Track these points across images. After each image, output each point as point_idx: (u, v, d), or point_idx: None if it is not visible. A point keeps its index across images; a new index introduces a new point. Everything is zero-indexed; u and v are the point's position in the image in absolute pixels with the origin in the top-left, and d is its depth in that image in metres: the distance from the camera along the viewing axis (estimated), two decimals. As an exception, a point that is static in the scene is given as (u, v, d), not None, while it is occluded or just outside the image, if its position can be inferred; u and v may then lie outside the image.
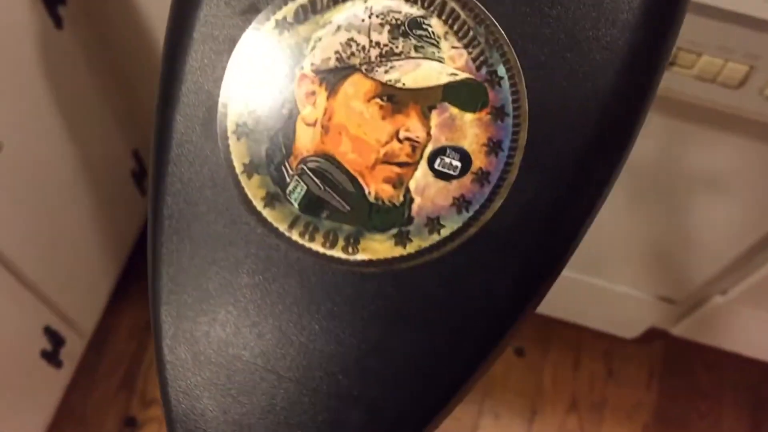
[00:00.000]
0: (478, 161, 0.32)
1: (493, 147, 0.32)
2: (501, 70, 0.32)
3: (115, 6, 1.03)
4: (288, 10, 0.33)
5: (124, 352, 1.33)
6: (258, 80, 0.33)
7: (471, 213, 0.32)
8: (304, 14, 0.33)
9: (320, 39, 0.33)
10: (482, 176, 0.32)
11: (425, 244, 0.32)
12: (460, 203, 0.32)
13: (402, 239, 0.32)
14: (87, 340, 1.29)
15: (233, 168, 0.33)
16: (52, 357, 1.19)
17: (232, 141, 0.33)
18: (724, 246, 1.04)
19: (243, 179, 0.33)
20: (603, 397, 1.34)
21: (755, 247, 1.00)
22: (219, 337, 0.33)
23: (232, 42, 0.33)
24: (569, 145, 0.32)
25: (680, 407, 1.34)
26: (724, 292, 1.11)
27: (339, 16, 0.33)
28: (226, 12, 0.33)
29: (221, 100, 0.33)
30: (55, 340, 1.19)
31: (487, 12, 0.32)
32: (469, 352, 0.32)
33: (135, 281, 1.35)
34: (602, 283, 1.19)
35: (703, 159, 0.92)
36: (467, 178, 0.32)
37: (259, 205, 0.33)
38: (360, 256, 0.32)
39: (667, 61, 0.33)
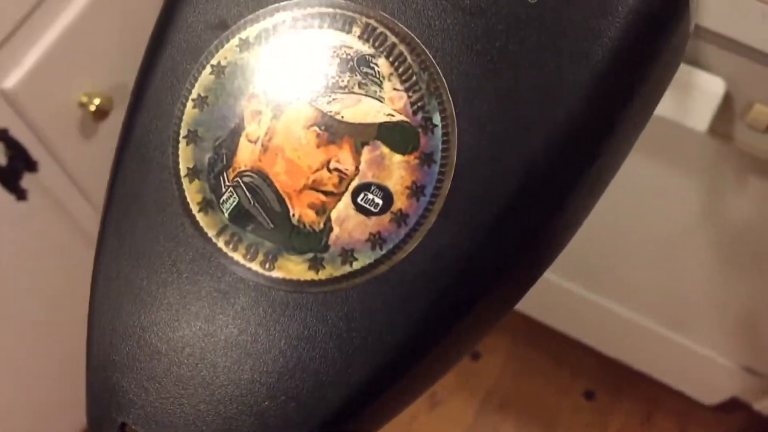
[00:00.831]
0: (400, 202, 0.33)
1: (415, 191, 0.33)
2: (436, 118, 0.33)
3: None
4: (251, 32, 0.35)
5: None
6: (214, 92, 0.35)
7: (384, 251, 0.33)
8: (265, 37, 0.35)
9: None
10: (401, 217, 0.33)
11: (336, 273, 0.33)
12: (376, 240, 0.33)
13: (316, 264, 0.33)
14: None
15: (178, 171, 0.35)
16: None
17: (182, 145, 0.35)
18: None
19: (185, 182, 0.35)
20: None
21: None
22: (141, 324, 0.35)
23: (198, 53, 0.35)
24: (491, 200, 0.32)
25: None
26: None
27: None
28: (199, 23, 0.35)
29: (178, 106, 0.35)
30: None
31: (433, 60, 0.33)
32: (358, 389, 0.33)
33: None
34: (687, 343, 1.15)
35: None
36: (386, 217, 0.33)
37: (194, 208, 0.35)
38: (275, 274, 0.34)
39: (624, 126, 0.33)
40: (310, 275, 0.34)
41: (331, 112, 0.34)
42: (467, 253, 0.33)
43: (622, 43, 0.32)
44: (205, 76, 0.35)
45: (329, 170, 0.34)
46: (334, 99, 0.34)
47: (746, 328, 1.09)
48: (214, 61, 0.35)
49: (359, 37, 0.34)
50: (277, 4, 0.35)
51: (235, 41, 0.35)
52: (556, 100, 0.32)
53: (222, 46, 0.35)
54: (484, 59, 0.33)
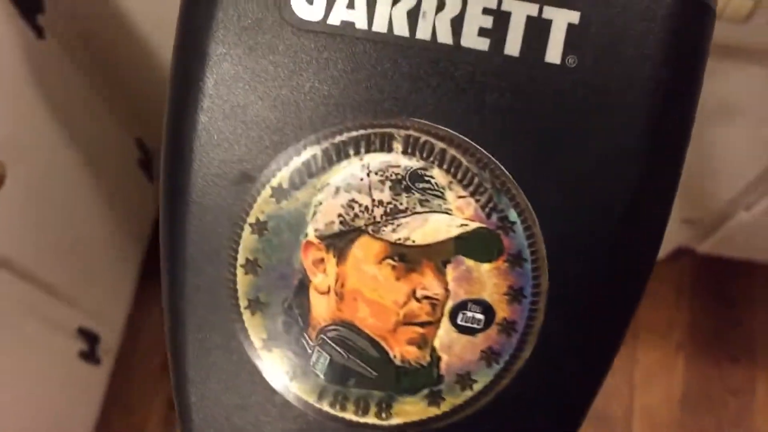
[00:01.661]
0: (502, 311, 0.31)
1: (515, 295, 0.31)
2: (512, 215, 0.31)
3: (96, 5, 0.99)
4: (283, 177, 0.31)
5: (160, 336, 1.35)
6: (263, 252, 0.32)
7: (501, 364, 0.31)
8: (299, 179, 0.31)
9: (320, 203, 0.31)
10: (508, 326, 0.31)
11: (458, 401, 0.32)
12: (489, 356, 0.31)
13: (435, 399, 0.32)
14: (121, 332, 1.31)
15: (252, 345, 0.32)
16: (90, 356, 1.21)
17: (246, 317, 0.32)
18: (746, 166, 1.03)
19: (263, 354, 0.32)
20: (635, 320, 1.34)
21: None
22: None
23: (230, 213, 0.32)
24: (591, 281, 0.31)
25: (712, 320, 1.35)
26: (748, 207, 1.10)
27: (336, 177, 0.31)
28: (218, 180, 0.32)
29: (227, 276, 0.32)
30: (90, 338, 1.21)
31: (490, 156, 0.31)
32: None
33: (158, 265, 1.35)
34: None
35: (719, 89, 0.90)
36: (493, 330, 0.31)
37: (284, 379, 0.32)
38: (394, 421, 0.32)
39: (679, 177, 0.31)
40: (432, 411, 0.32)
41: (399, 239, 0.31)
42: (585, 339, 0.31)
43: (668, 83, 0.30)
44: (247, 237, 0.32)
45: (418, 300, 0.31)
46: (398, 225, 0.31)
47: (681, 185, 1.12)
48: (251, 219, 0.32)
49: (403, 153, 0.31)
50: (300, 142, 0.31)
51: (267, 192, 0.31)
52: (624, 161, 0.30)
53: (255, 201, 0.32)
54: (539, 141, 0.30)
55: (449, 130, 0.31)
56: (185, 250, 0.32)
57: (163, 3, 0.88)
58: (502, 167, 0.31)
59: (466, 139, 0.31)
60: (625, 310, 0.32)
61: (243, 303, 0.32)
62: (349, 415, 0.32)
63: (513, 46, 0.30)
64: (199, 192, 0.32)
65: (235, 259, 0.32)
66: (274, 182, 0.31)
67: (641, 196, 0.31)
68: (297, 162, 0.31)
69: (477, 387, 0.31)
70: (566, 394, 0.32)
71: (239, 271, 0.32)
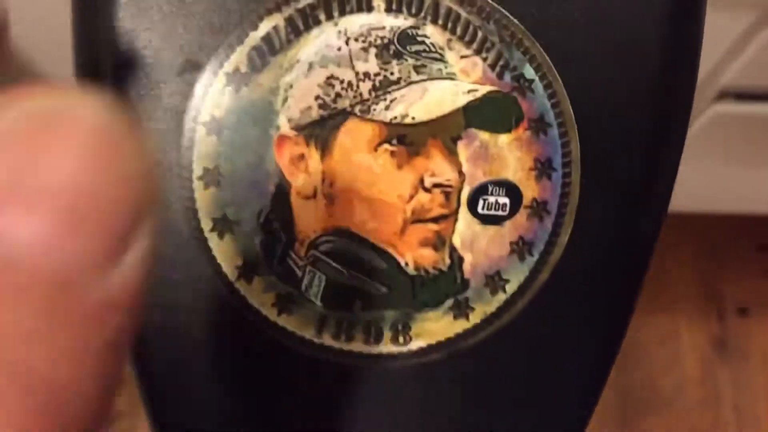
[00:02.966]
0: (530, 191, 0.25)
1: (542, 169, 0.25)
2: (528, 72, 0.25)
3: None
4: (239, 59, 0.25)
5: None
6: (225, 156, 0.25)
7: (536, 256, 0.26)
8: (260, 59, 0.25)
9: (291, 85, 0.25)
10: (539, 208, 0.26)
11: (491, 308, 0.26)
12: (521, 247, 0.26)
13: (462, 310, 0.26)
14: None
15: (225, 276, 0.25)
16: None
17: (214, 242, 0.25)
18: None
19: (241, 286, 0.25)
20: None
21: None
22: None
23: (178, 115, 0.25)
24: (627, 141, 0.26)
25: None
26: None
27: (306, 50, 0.25)
28: (157, 77, 0.25)
29: (184, 194, 0.25)
30: None
31: (492, 2, 0.25)
32: (570, 421, 0.26)
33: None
34: None
35: None
36: (522, 215, 0.26)
37: (271, 314, 0.25)
38: (415, 344, 0.26)
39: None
40: (461, 325, 0.26)
41: (396, 118, 0.25)
42: (629, 215, 0.26)
43: None
44: (202, 140, 0.25)
45: (427, 190, 0.25)
46: (392, 101, 0.25)
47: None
48: (204, 117, 0.25)
49: (387, 10, 0.25)
50: (255, 11, 0.25)
51: (221, 80, 0.25)
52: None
53: (207, 94, 0.25)
54: None
55: None
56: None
57: None
58: (509, 15, 0.25)
59: None
60: (666, 176, 0.27)
61: (206, 225, 0.25)
62: (359, 346, 0.26)
63: None
64: (131, 92, 0.25)
65: (190, 170, 0.25)
66: (229, 67, 0.25)
67: (671, 41, 0.26)
68: (255, 37, 0.25)
69: (510, 288, 0.26)
70: (612, 286, 0.26)
71: (197, 185, 0.25)
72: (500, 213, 0.25)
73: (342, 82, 0.25)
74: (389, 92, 0.25)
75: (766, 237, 1.32)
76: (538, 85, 0.25)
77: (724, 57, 0.83)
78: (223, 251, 0.25)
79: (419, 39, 0.25)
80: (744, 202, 1.19)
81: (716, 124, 0.90)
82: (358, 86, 0.25)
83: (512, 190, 0.25)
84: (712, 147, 1.01)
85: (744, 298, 1.28)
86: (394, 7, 0.25)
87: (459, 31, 0.25)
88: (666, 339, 1.27)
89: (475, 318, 0.26)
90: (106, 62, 0.25)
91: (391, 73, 0.25)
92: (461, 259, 0.26)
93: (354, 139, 0.25)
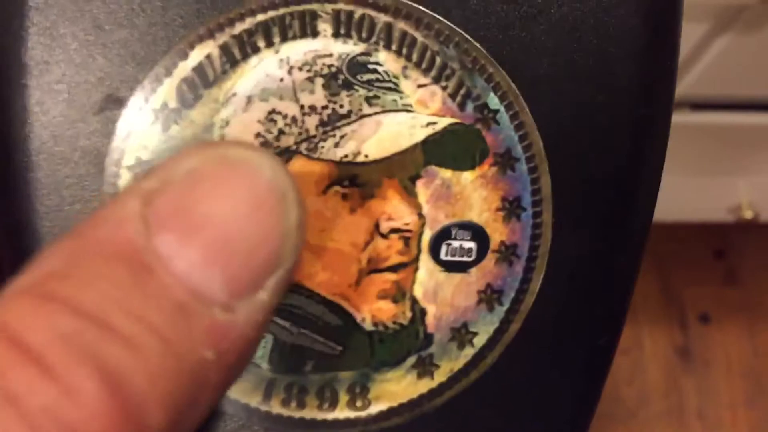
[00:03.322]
0: (497, 233, 0.23)
1: (511, 208, 0.23)
2: (493, 101, 0.23)
3: None
4: (167, 93, 0.22)
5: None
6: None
7: (507, 305, 0.23)
8: (192, 92, 0.22)
9: (227, 122, 0.22)
10: (508, 252, 0.23)
11: (458, 365, 0.23)
12: (489, 296, 0.23)
13: (426, 368, 0.23)
14: None
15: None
16: None
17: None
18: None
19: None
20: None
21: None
22: None
23: (98, 158, 0.22)
24: (601, 174, 0.23)
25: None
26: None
27: (244, 81, 0.22)
28: (73, 115, 0.22)
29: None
30: None
31: (452, 26, 0.22)
32: None
33: None
34: None
35: None
36: (489, 261, 0.23)
37: (211, 381, 0.22)
38: (375, 408, 0.23)
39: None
40: (425, 385, 0.23)
41: (347, 156, 0.22)
42: (605, 259, 0.24)
43: None
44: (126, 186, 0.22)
45: (384, 235, 0.23)
46: (342, 137, 0.22)
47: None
48: (128, 161, 0.22)
49: (335, 36, 0.22)
50: (185, 39, 0.22)
51: (147, 117, 0.22)
52: (624, 23, 0.23)
53: (131, 134, 0.22)
54: (512, 2, 0.23)
55: None
56: (37, 230, 0.22)
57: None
58: (471, 39, 0.22)
59: (417, 6, 0.22)
60: (645, 208, 0.24)
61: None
62: (312, 413, 0.23)
63: None
64: (45, 133, 0.22)
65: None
66: (156, 102, 0.22)
67: (646, 64, 0.23)
68: (185, 68, 0.22)
69: (479, 341, 0.23)
70: (589, 330, 0.24)
71: None
72: (465, 259, 0.23)
73: (285, 117, 0.22)
74: (338, 127, 0.22)
75: (722, 243, 1.32)
76: (504, 116, 0.23)
77: (680, 68, 0.81)
78: None
79: (371, 67, 0.22)
80: (699, 210, 1.19)
81: (673, 134, 0.88)
82: (303, 121, 0.22)
83: (478, 234, 0.23)
84: (668, 157, 0.99)
85: (705, 305, 1.28)
86: (342, 31, 0.22)
87: (415, 57, 0.22)
88: (629, 348, 1.26)
89: (440, 376, 0.23)
90: (13, 99, 0.22)
91: (341, 106, 0.22)
92: (424, 312, 0.23)
93: (301, 181, 0.22)
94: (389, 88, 0.22)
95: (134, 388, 0.14)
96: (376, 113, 0.22)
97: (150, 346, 0.15)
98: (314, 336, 0.23)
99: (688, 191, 1.18)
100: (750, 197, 1.18)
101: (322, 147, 0.22)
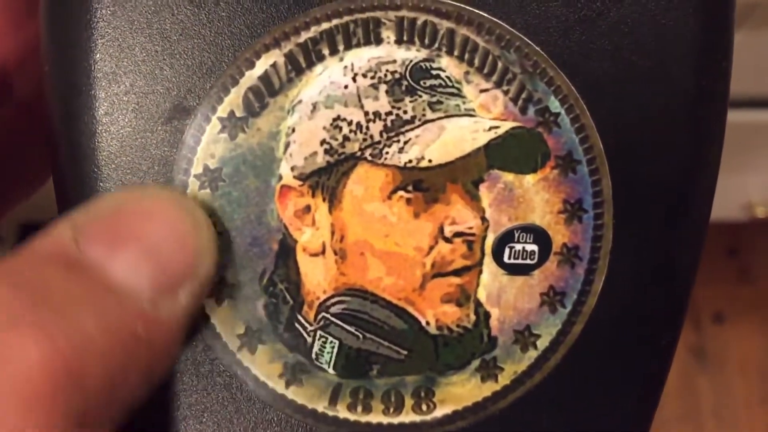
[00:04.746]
0: (560, 235, 0.23)
1: (573, 211, 0.23)
2: (554, 104, 0.23)
3: None
4: (234, 101, 0.22)
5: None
6: (222, 211, 0.22)
7: (569, 307, 0.23)
8: (258, 100, 0.22)
9: (293, 129, 0.22)
10: (570, 254, 0.23)
11: (521, 367, 0.23)
12: (552, 299, 0.23)
13: (490, 371, 0.23)
14: None
15: (225, 345, 0.22)
16: None
17: (210, 308, 0.22)
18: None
19: (245, 357, 0.23)
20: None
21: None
22: None
23: (167, 166, 0.22)
24: (663, 175, 0.24)
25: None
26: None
27: (310, 89, 0.22)
28: (142, 125, 0.22)
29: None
30: None
31: (513, 30, 0.23)
32: None
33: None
34: None
35: None
36: (551, 263, 0.23)
37: (279, 386, 0.23)
38: (440, 411, 0.23)
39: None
40: (489, 388, 0.23)
41: (411, 161, 0.22)
42: (665, 261, 0.24)
43: None
44: (195, 194, 0.22)
45: (448, 240, 0.23)
46: (406, 142, 0.22)
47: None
48: (196, 169, 0.22)
49: (398, 43, 0.22)
50: (251, 48, 0.22)
51: (214, 126, 0.22)
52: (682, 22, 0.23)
53: (199, 142, 0.22)
54: (571, 6, 0.23)
55: (454, 2, 0.22)
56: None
57: None
58: (532, 43, 0.23)
59: (478, 12, 0.22)
60: (704, 204, 0.24)
61: (203, 289, 0.22)
62: (378, 417, 0.23)
63: None
64: (113, 144, 0.22)
65: (182, 228, 0.22)
66: (222, 110, 0.22)
67: (703, 64, 0.24)
68: (251, 77, 0.22)
69: (542, 343, 0.23)
70: (652, 329, 0.24)
71: None
72: (528, 261, 0.23)
73: (350, 123, 0.22)
74: (402, 133, 0.22)
75: (735, 242, 1.32)
76: (565, 119, 0.23)
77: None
78: (222, 318, 0.22)
79: (434, 72, 0.22)
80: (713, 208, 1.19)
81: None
82: (368, 127, 0.22)
83: (540, 236, 0.23)
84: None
85: (718, 304, 1.28)
86: (405, 38, 0.22)
87: (477, 62, 0.23)
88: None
89: (504, 379, 0.23)
90: (83, 110, 0.22)
91: (404, 112, 0.22)
92: (488, 315, 0.23)
93: (365, 187, 0.22)
94: (452, 93, 0.23)
95: (72, 347, 0.17)
96: (439, 118, 0.22)
97: (85, 317, 0.18)
98: (380, 340, 0.23)
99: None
100: (762, 195, 1.19)
101: (387, 153, 0.22)
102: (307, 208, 0.22)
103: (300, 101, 0.22)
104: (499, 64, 0.23)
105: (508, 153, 0.23)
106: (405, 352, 0.23)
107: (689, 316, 1.27)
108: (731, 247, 1.33)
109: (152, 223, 0.20)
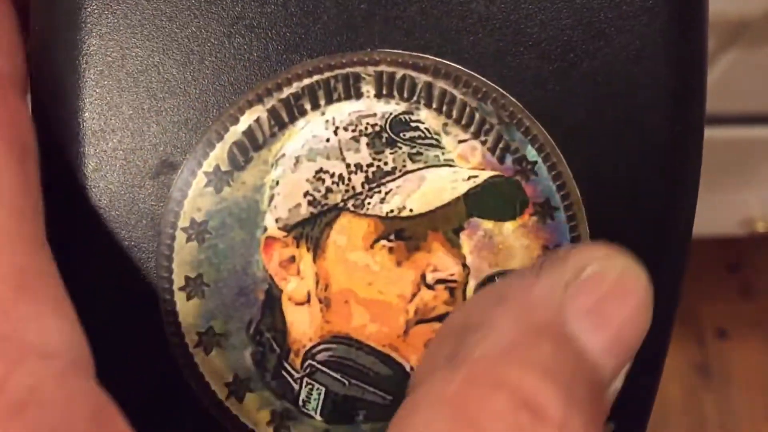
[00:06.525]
0: None
1: None
2: (531, 153, 0.23)
3: None
4: (219, 156, 0.23)
5: None
6: (208, 264, 0.23)
7: None
8: (242, 155, 0.23)
9: (277, 182, 0.23)
10: None
11: None
12: None
13: None
14: None
15: (213, 394, 0.23)
16: None
17: (199, 358, 0.23)
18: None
19: (233, 405, 0.23)
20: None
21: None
22: None
23: (155, 220, 0.23)
24: (637, 220, 0.24)
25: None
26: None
27: (293, 143, 0.23)
28: (130, 181, 0.23)
29: (165, 307, 0.23)
30: None
31: (489, 82, 0.23)
32: None
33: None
34: None
35: None
36: None
37: (267, 432, 0.23)
38: None
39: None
40: (474, 430, 0.24)
41: (392, 211, 0.23)
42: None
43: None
44: (182, 247, 0.23)
45: (430, 287, 0.23)
46: (387, 192, 0.23)
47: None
48: (183, 222, 0.23)
49: (377, 96, 0.23)
50: (235, 104, 0.23)
51: (200, 180, 0.23)
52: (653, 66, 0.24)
53: (185, 196, 0.23)
54: (547, 53, 0.23)
55: (431, 57, 0.23)
56: (97, 291, 0.23)
57: None
58: (507, 94, 0.23)
59: (455, 65, 0.23)
60: (679, 250, 0.25)
61: (191, 340, 0.23)
62: (366, 462, 0.24)
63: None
64: (103, 199, 0.23)
65: (170, 281, 0.23)
66: (208, 165, 0.23)
67: (674, 111, 0.24)
68: (235, 132, 0.23)
69: None
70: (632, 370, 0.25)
71: (179, 297, 0.23)
72: None
73: (332, 175, 0.23)
74: (384, 184, 0.23)
75: (736, 257, 1.32)
76: (542, 167, 0.23)
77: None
78: (210, 367, 0.23)
79: (413, 125, 0.23)
80: (711, 224, 1.19)
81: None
82: (350, 179, 0.23)
83: None
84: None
85: (722, 320, 1.28)
86: (384, 92, 0.23)
87: (455, 114, 0.23)
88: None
89: None
90: (73, 167, 0.23)
91: (385, 163, 0.23)
92: None
93: (348, 237, 0.23)
94: (431, 145, 0.23)
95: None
96: (419, 169, 0.23)
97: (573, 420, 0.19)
98: (365, 386, 0.23)
99: (699, 206, 1.19)
100: (762, 210, 1.19)
101: (369, 203, 0.23)
102: (292, 259, 0.23)
103: (283, 155, 0.23)
104: (477, 116, 0.23)
105: (487, 201, 0.23)
106: (390, 397, 0.23)
107: (693, 333, 1.27)
108: (732, 263, 1.33)
109: (626, 307, 0.20)
